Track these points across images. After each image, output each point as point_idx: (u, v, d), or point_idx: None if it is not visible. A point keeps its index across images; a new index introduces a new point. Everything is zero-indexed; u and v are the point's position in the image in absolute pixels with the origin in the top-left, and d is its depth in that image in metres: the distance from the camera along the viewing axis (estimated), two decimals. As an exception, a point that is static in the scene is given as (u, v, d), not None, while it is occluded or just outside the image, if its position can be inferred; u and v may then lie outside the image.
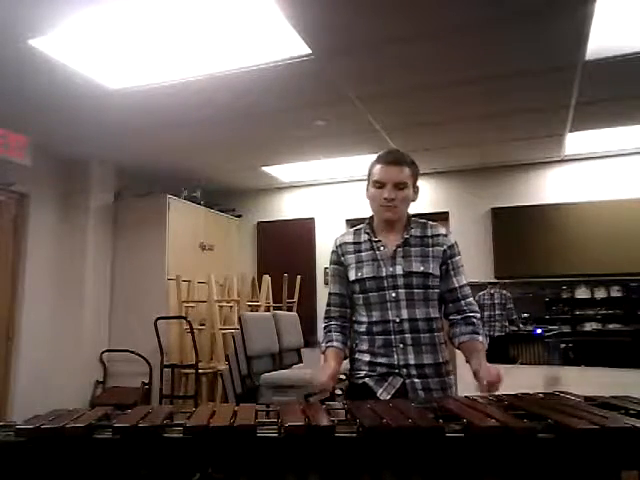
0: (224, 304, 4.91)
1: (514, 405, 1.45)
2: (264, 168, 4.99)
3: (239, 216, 5.80)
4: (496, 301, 4.84)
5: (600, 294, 4.54)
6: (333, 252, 1.87)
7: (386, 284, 1.74)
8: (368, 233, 1.82)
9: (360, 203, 5.80)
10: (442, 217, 5.10)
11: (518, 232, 4.72)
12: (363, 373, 1.75)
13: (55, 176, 4.51)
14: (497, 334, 4.79)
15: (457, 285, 1.79)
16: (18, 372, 4.14)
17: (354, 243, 1.84)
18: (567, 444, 1.17)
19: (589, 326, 4.54)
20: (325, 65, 2.87)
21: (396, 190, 1.76)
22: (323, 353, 1.80)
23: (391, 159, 1.82)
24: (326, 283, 4.98)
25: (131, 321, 4.62)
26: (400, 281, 1.73)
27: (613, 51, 2.76)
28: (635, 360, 4.30)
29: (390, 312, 1.73)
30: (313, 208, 5.42)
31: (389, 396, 1.68)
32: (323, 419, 1.25)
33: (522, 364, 4.67)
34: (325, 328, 1.85)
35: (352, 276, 1.79)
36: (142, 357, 4.46)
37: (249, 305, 5.00)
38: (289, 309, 5.11)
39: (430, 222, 1.87)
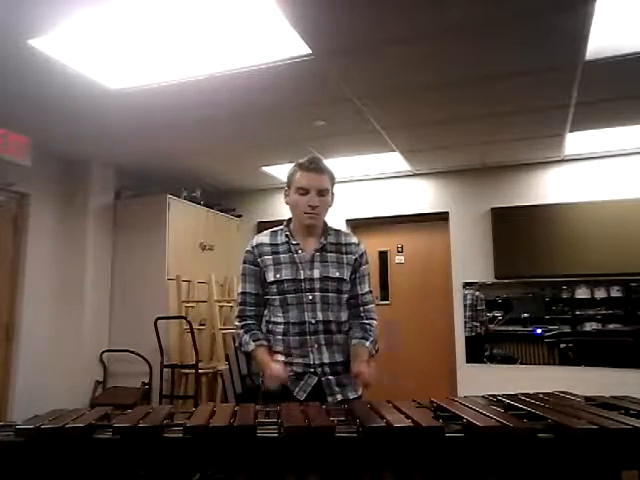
0: (224, 304, 4.91)
1: (514, 405, 1.46)
2: (264, 168, 4.99)
3: (239, 216, 5.80)
4: (468, 302, 4.87)
5: (600, 294, 4.54)
6: (249, 252, 1.93)
7: (303, 287, 1.83)
8: (287, 236, 1.91)
9: (360, 203, 5.83)
10: (442, 217, 5.10)
11: (518, 232, 4.72)
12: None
13: (55, 176, 4.51)
14: (467, 334, 4.85)
15: (360, 292, 1.94)
16: (18, 372, 4.14)
17: (271, 244, 1.92)
18: (567, 444, 1.17)
19: (589, 326, 4.54)
20: (325, 65, 2.87)
21: (319, 197, 1.85)
22: (250, 352, 1.85)
23: (314, 167, 1.88)
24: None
25: (131, 321, 4.62)
26: (317, 285, 1.84)
27: (613, 51, 2.75)
28: (635, 360, 4.31)
29: (307, 314, 1.82)
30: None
31: (305, 394, 1.79)
32: (323, 419, 1.25)
33: (522, 364, 4.67)
34: (244, 327, 1.90)
35: (270, 277, 1.85)
36: (142, 357, 4.46)
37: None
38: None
39: (343, 230, 2.02)
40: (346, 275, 1.87)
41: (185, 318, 4.48)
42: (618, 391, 1.68)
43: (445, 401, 1.47)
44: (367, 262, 1.97)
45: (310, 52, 2.70)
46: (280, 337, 1.84)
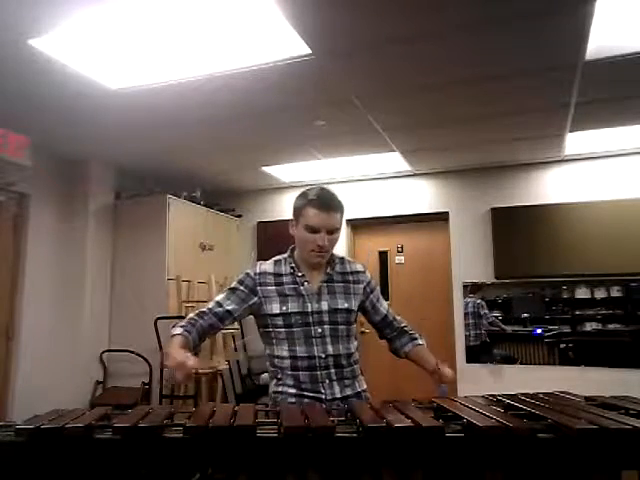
0: (224, 304, 4.90)
1: (514, 405, 1.46)
2: (264, 168, 4.99)
3: (239, 216, 5.80)
4: (470, 310, 4.85)
5: (600, 294, 4.54)
6: (249, 277, 1.82)
7: (312, 320, 1.76)
8: (293, 267, 1.83)
9: (360, 203, 5.82)
10: (442, 217, 5.10)
11: (518, 232, 4.72)
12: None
13: (55, 176, 4.51)
14: (472, 344, 4.82)
15: (386, 312, 1.93)
16: (18, 372, 4.14)
17: (274, 274, 1.83)
18: (567, 444, 1.17)
19: (589, 326, 4.54)
20: (325, 65, 2.87)
21: (329, 236, 1.77)
22: (170, 337, 1.68)
23: (327, 206, 1.77)
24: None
25: (131, 321, 4.62)
26: (325, 317, 1.77)
27: (613, 51, 2.75)
28: (635, 360, 4.31)
29: (316, 348, 1.75)
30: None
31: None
32: (323, 419, 1.25)
33: (522, 364, 4.67)
34: (189, 319, 1.77)
35: (275, 309, 1.78)
36: (142, 357, 4.46)
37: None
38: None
39: (347, 258, 1.95)
40: (354, 305, 1.83)
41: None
42: (618, 391, 1.69)
43: (445, 401, 1.47)
44: (376, 284, 1.96)
45: (310, 52, 2.70)
46: (289, 372, 1.76)
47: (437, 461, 1.17)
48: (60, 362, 4.36)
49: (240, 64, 2.84)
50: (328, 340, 1.76)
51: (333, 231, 1.78)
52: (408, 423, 1.21)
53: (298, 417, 1.26)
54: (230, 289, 1.85)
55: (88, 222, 4.57)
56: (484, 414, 1.29)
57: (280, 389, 1.79)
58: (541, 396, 1.60)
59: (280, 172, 5.15)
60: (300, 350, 1.75)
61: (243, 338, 3.87)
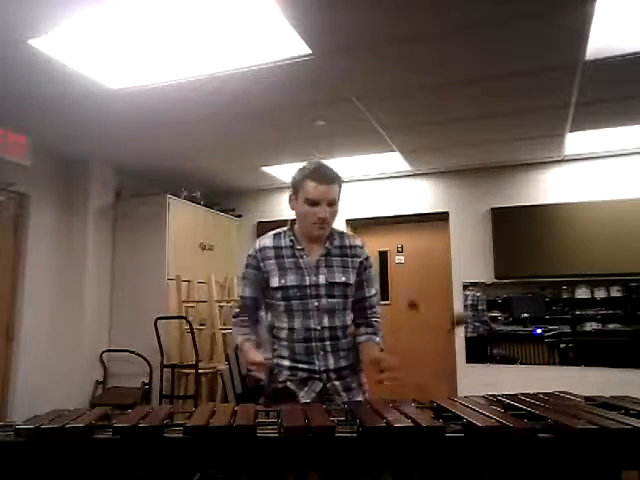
0: (224, 304, 4.91)
1: (514, 405, 1.46)
2: (264, 168, 4.99)
3: (239, 216, 5.80)
4: (469, 302, 4.87)
5: (600, 294, 4.54)
6: (251, 256, 1.90)
7: (309, 293, 1.80)
8: (292, 240, 1.87)
9: (360, 203, 5.82)
10: (442, 217, 5.10)
11: (518, 232, 4.72)
12: (284, 377, 1.82)
13: (55, 176, 4.51)
14: (469, 335, 4.85)
15: (367, 295, 1.93)
16: (18, 372, 4.14)
17: (274, 247, 1.88)
18: (567, 444, 1.17)
19: (589, 326, 4.54)
20: (325, 65, 2.87)
21: (329, 207, 1.81)
22: (239, 345, 1.85)
23: (325, 178, 1.80)
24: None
25: (131, 321, 4.62)
26: (322, 290, 1.81)
27: (613, 51, 2.75)
28: (635, 360, 4.31)
29: (312, 320, 1.80)
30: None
31: (310, 400, 1.77)
32: (323, 419, 1.25)
33: (522, 364, 4.67)
34: (236, 324, 1.92)
35: (274, 283, 1.82)
36: (142, 357, 4.46)
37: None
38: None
39: (347, 233, 1.99)
40: (351, 279, 1.85)
41: (185, 318, 4.48)
42: (618, 391, 1.68)
43: (445, 401, 1.47)
44: (372, 265, 1.97)
45: (310, 52, 2.70)
46: (285, 343, 1.82)
47: (437, 461, 1.17)
48: (60, 362, 4.36)
49: (240, 64, 2.84)
50: (324, 313, 1.80)
51: (332, 203, 1.81)
52: (408, 423, 1.21)
53: (298, 417, 1.26)
54: (243, 278, 1.93)
55: (88, 222, 4.57)
56: (484, 414, 1.29)
57: (275, 361, 1.84)
58: (541, 396, 1.60)
59: (280, 172, 5.15)
60: (297, 322, 1.80)
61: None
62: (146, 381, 4.45)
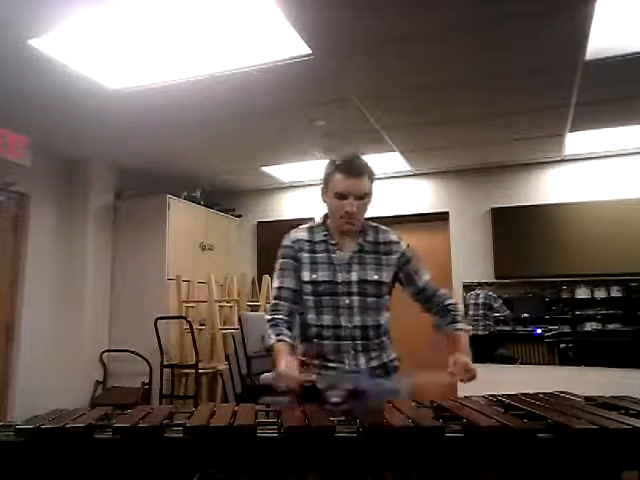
0: (224, 304, 4.91)
1: (514, 405, 1.46)
2: (264, 168, 4.99)
3: (239, 216, 5.80)
4: (480, 301, 4.85)
5: (600, 294, 4.54)
6: (288, 247, 1.82)
7: (340, 290, 1.74)
8: (326, 235, 1.81)
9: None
10: (442, 217, 5.10)
11: (518, 232, 4.71)
12: (313, 376, 1.71)
13: (55, 176, 4.51)
14: (480, 333, 4.82)
15: (423, 285, 1.83)
16: (18, 372, 4.14)
17: (308, 241, 1.82)
18: (567, 444, 1.17)
19: (589, 326, 4.54)
20: (325, 65, 2.87)
21: (357, 201, 1.74)
22: (271, 347, 1.70)
23: (354, 171, 1.74)
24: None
25: (131, 321, 4.62)
26: (354, 288, 1.74)
27: (613, 51, 2.75)
28: (635, 360, 4.30)
29: (342, 318, 1.72)
30: (313, 208, 5.41)
31: (339, 400, 1.64)
32: (323, 419, 1.25)
33: (522, 364, 4.67)
34: (271, 321, 1.76)
35: (305, 277, 1.77)
36: (142, 357, 4.46)
37: (249, 305, 5.01)
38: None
39: (381, 226, 1.88)
40: (386, 277, 1.77)
41: (185, 318, 4.48)
42: (618, 391, 1.68)
43: (445, 401, 1.47)
44: (415, 255, 1.84)
45: (310, 52, 2.70)
46: (314, 340, 1.75)
47: (437, 461, 1.17)
48: (60, 362, 4.36)
49: (240, 64, 2.84)
50: (356, 311, 1.72)
51: (362, 196, 1.74)
52: (408, 423, 1.21)
53: (298, 417, 1.26)
54: (279, 269, 1.82)
55: (88, 222, 4.57)
56: (484, 414, 1.28)
57: (305, 358, 1.77)
58: (541, 396, 1.60)
59: (280, 172, 5.15)
60: (327, 319, 1.73)
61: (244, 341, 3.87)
62: (146, 381, 4.45)
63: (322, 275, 1.75)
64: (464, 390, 1.67)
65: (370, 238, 1.82)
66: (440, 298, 1.84)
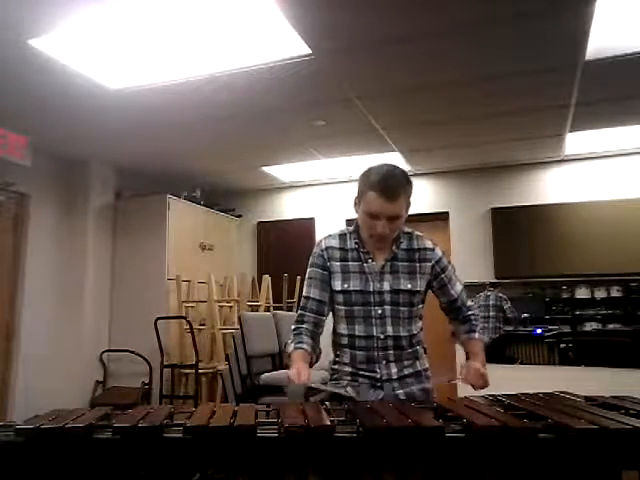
0: (224, 304, 4.91)
1: (514, 405, 1.46)
2: (264, 168, 4.99)
3: (239, 216, 5.80)
4: (491, 302, 4.84)
5: (600, 294, 4.54)
6: (318, 255, 1.78)
7: (372, 300, 1.70)
8: (357, 243, 1.76)
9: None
10: (442, 217, 5.10)
11: (518, 232, 4.72)
12: (345, 382, 1.73)
13: (55, 176, 4.51)
14: (490, 335, 4.80)
15: (456, 296, 1.82)
16: (18, 372, 4.14)
17: (340, 249, 1.77)
18: (567, 444, 1.17)
19: (589, 326, 4.54)
20: (325, 65, 2.87)
21: (390, 222, 1.67)
22: (289, 355, 1.71)
23: (389, 193, 1.63)
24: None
25: (131, 321, 4.62)
26: (387, 298, 1.70)
27: (613, 51, 2.75)
28: (635, 360, 4.30)
29: (375, 328, 1.70)
30: (313, 208, 5.41)
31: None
32: (323, 419, 1.25)
33: (522, 364, 4.67)
34: (295, 330, 1.75)
35: (337, 286, 1.73)
36: (142, 357, 4.46)
37: (249, 305, 5.01)
38: (289, 309, 5.11)
39: (417, 233, 1.85)
40: (420, 286, 1.73)
41: (185, 318, 4.48)
42: (618, 391, 1.68)
43: (445, 401, 1.47)
44: (449, 263, 1.82)
45: (310, 52, 2.70)
46: (347, 349, 1.73)
47: (437, 461, 1.17)
48: (60, 362, 4.37)
49: (240, 64, 2.84)
50: (388, 321, 1.69)
51: (395, 218, 1.68)
52: (408, 423, 1.21)
53: (298, 417, 1.26)
54: (309, 278, 1.79)
55: (88, 222, 4.57)
56: (484, 414, 1.28)
57: (337, 366, 1.76)
58: (541, 396, 1.60)
59: (280, 172, 5.15)
60: (359, 329, 1.70)
61: (244, 340, 3.87)
62: (146, 381, 4.45)
63: (354, 284, 1.71)
64: (464, 390, 1.67)
65: (404, 246, 1.78)
66: (466, 311, 1.84)
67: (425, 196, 5.18)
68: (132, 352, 4.49)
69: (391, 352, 1.69)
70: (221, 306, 4.80)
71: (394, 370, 1.70)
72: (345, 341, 1.73)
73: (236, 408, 1.37)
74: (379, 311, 1.69)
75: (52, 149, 4.32)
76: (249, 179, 5.40)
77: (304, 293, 1.79)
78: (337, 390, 1.66)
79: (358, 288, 1.71)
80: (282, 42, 2.61)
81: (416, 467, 1.17)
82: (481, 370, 1.66)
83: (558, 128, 3.92)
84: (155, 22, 2.43)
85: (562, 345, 4.57)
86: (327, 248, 1.77)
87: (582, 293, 4.58)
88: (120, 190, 4.91)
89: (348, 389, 1.70)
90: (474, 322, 1.83)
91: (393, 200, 1.64)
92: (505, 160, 4.77)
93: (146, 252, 4.69)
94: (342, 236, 1.80)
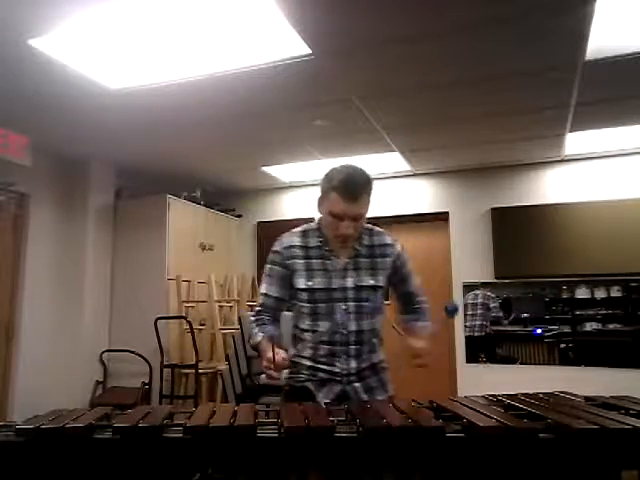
0: (224, 304, 4.91)
1: (514, 405, 1.46)
2: (264, 168, 4.99)
3: (239, 216, 5.80)
4: (479, 301, 4.86)
5: (600, 294, 4.54)
6: (277, 253, 1.81)
7: (336, 296, 1.74)
8: (321, 241, 1.79)
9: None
10: (442, 217, 5.10)
11: (518, 232, 4.71)
12: (304, 377, 1.77)
13: (55, 176, 4.51)
14: (476, 334, 4.84)
15: (411, 290, 1.88)
16: (18, 372, 4.14)
17: (302, 247, 1.79)
18: (567, 444, 1.17)
19: (589, 326, 4.54)
20: (325, 65, 2.87)
21: (353, 222, 1.71)
22: (257, 344, 1.74)
23: (351, 195, 1.67)
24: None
25: (131, 321, 4.62)
26: (350, 294, 1.74)
27: (613, 51, 2.75)
28: (635, 360, 4.30)
29: (338, 324, 1.73)
30: (313, 208, 5.41)
31: (328, 401, 1.71)
32: (323, 419, 1.25)
33: (522, 364, 4.67)
34: (256, 321, 1.80)
35: (301, 284, 1.76)
36: (142, 357, 4.46)
37: (249, 305, 5.00)
38: (289, 309, 5.10)
39: (377, 229, 1.89)
40: (381, 282, 1.78)
41: (185, 318, 4.48)
42: (618, 391, 1.69)
43: (445, 401, 1.47)
44: (408, 259, 1.86)
45: (310, 52, 2.70)
46: (309, 345, 1.76)
47: (437, 461, 1.17)
48: (60, 362, 4.37)
49: (240, 64, 2.84)
50: (352, 317, 1.73)
51: (358, 217, 1.72)
52: (408, 423, 1.21)
53: (298, 417, 1.26)
54: (266, 275, 1.83)
55: (88, 222, 4.57)
56: (484, 414, 1.29)
57: (296, 360, 1.79)
58: (541, 396, 1.60)
59: (280, 172, 5.15)
60: (323, 325, 1.74)
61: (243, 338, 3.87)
62: (146, 381, 4.45)
63: (318, 282, 1.75)
64: (464, 390, 1.67)
65: (365, 242, 1.82)
66: (419, 303, 1.89)
67: (425, 196, 5.18)
68: (132, 352, 4.49)
69: (353, 347, 1.74)
70: (221, 306, 4.80)
71: (353, 365, 1.74)
72: (308, 336, 1.77)
73: (236, 408, 1.37)
74: (343, 307, 1.73)
75: (52, 149, 4.32)
76: (249, 179, 5.40)
77: (262, 290, 1.83)
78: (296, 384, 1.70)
79: (322, 286, 1.75)
80: (282, 42, 2.61)
81: (416, 467, 1.17)
82: (416, 346, 1.68)
83: (558, 128, 3.92)
84: (155, 22, 2.43)
85: (562, 345, 4.57)
86: (288, 247, 1.80)
87: (582, 293, 4.58)
88: (120, 190, 4.91)
89: (307, 384, 1.74)
90: (424, 312, 1.88)
91: (355, 201, 1.68)
92: (505, 160, 4.76)
93: (146, 252, 4.68)
94: (304, 232, 1.83)
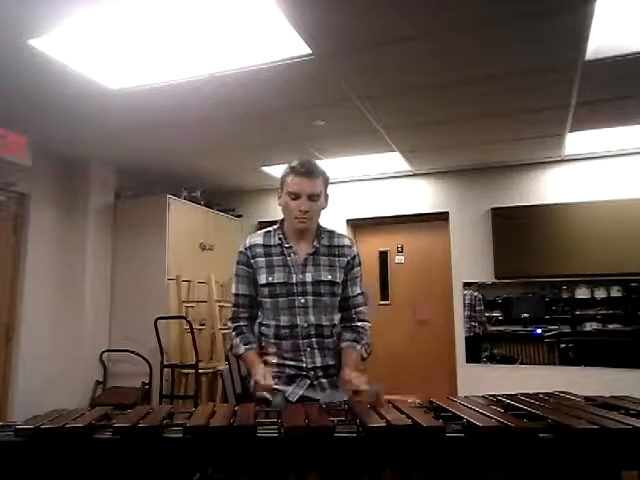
0: (224, 304, 4.91)
1: (514, 405, 1.46)
2: (264, 168, 4.99)
3: (239, 216, 5.80)
4: (466, 301, 4.88)
5: (600, 294, 4.54)
6: (242, 253, 1.92)
7: (295, 290, 1.82)
8: (281, 238, 1.89)
9: (360, 203, 5.82)
10: (442, 217, 5.10)
11: (518, 232, 4.72)
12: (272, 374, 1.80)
13: (55, 176, 4.51)
14: (465, 335, 4.87)
15: (351, 295, 1.92)
16: (18, 372, 4.14)
17: (264, 245, 1.90)
18: (567, 444, 1.17)
19: (589, 326, 4.54)
20: (325, 65, 2.87)
21: (310, 202, 1.82)
22: (240, 355, 1.86)
23: (305, 171, 1.82)
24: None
25: (131, 321, 4.62)
26: (309, 288, 1.82)
27: (613, 51, 2.75)
28: (635, 360, 4.31)
29: (299, 317, 1.81)
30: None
31: (297, 397, 1.78)
32: (323, 419, 1.25)
33: (522, 364, 4.67)
34: (235, 330, 1.90)
35: (262, 280, 1.85)
36: (142, 357, 4.46)
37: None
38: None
39: (337, 232, 1.98)
40: (339, 278, 1.86)
41: (185, 318, 4.48)
42: (618, 391, 1.69)
43: (445, 401, 1.47)
44: (359, 264, 1.96)
45: (310, 52, 2.70)
46: (272, 340, 1.84)
47: (437, 461, 1.17)
48: (60, 362, 4.37)
49: (240, 64, 2.84)
50: (311, 311, 1.81)
51: (314, 196, 1.82)
52: (408, 423, 1.21)
53: (298, 417, 1.26)
54: (235, 275, 1.95)
55: (88, 222, 4.57)
56: (484, 414, 1.29)
57: (263, 357, 1.84)
58: (541, 396, 1.60)
59: (280, 172, 5.14)
60: (284, 319, 1.82)
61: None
62: (146, 381, 4.45)
63: (278, 277, 1.83)
64: (464, 390, 1.67)
65: (325, 242, 1.91)
66: (355, 315, 1.92)
67: (425, 196, 5.19)
68: (132, 352, 4.48)
69: (314, 340, 1.81)
70: (221, 306, 4.80)
71: (318, 359, 1.81)
72: (271, 332, 1.84)
73: (236, 408, 1.37)
74: (302, 300, 1.82)
75: (52, 149, 4.32)
76: (249, 179, 5.40)
77: (233, 290, 1.94)
78: (267, 395, 1.70)
79: (282, 280, 1.83)
80: (282, 42, 2.61)
81: (416, 467, 1.17)
82: (351, 378, 1.68)
83: (558, 128, 3.92)
84: (155, 22, 2.43)
85: (562, 345, 4.57)
86: (250, 246, 1.92)
87: (582, 293, 4.58)
88: (120, 190, 4.91)
89: (275, 381, 1.75)
90: (362, 336, 1.90)
91: (311, 177, 1.82)
92: (505, 160, 4.77)
93: (146, 252, 4.68)
94: (266, 234, 1.94)
